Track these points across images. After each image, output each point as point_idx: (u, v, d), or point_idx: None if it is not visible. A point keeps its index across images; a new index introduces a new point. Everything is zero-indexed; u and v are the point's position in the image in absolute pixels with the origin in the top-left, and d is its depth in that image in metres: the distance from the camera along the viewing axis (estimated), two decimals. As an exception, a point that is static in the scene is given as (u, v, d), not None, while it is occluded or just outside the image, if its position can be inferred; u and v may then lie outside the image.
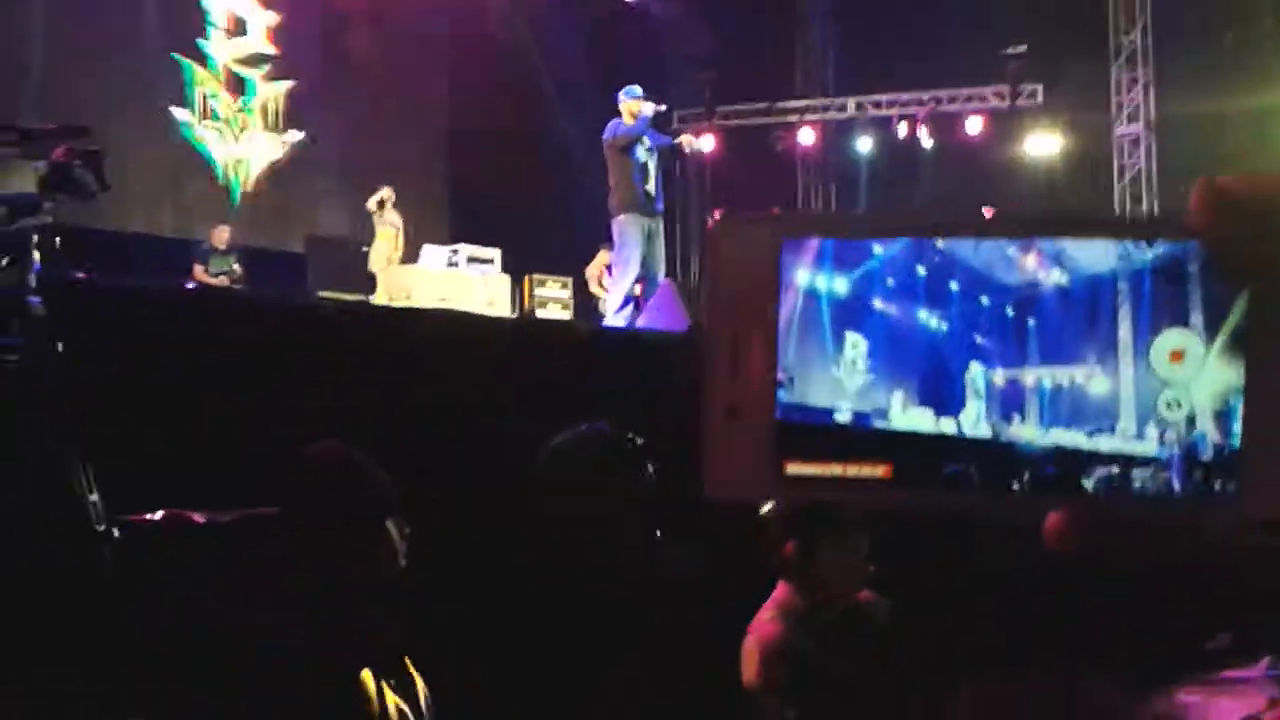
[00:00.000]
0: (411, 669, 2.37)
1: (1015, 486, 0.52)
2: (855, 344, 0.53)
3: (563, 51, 15.14)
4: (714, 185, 17.96)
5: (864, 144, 17.26)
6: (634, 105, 9.05)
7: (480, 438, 5.11)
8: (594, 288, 12.43)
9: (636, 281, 8.73)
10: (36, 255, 3.27)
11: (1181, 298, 0.50)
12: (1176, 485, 0.50)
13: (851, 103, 17.17)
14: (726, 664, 3.19)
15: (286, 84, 14.69)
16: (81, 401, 3.28)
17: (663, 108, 9.36)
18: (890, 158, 17.06)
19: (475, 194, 14.71)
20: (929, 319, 0.53)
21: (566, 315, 11.36)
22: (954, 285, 0.53)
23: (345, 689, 2.15)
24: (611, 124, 9.00)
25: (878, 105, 17.03)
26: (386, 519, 2.27)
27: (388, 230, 11.30)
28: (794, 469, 0.52)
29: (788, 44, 18.03)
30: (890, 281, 0.53)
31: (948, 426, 0.53)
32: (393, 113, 14.71)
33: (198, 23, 14.07)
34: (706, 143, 16.90)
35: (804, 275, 0.51)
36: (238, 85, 14.44)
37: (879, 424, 0.53)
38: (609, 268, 10.56)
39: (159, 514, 3.41)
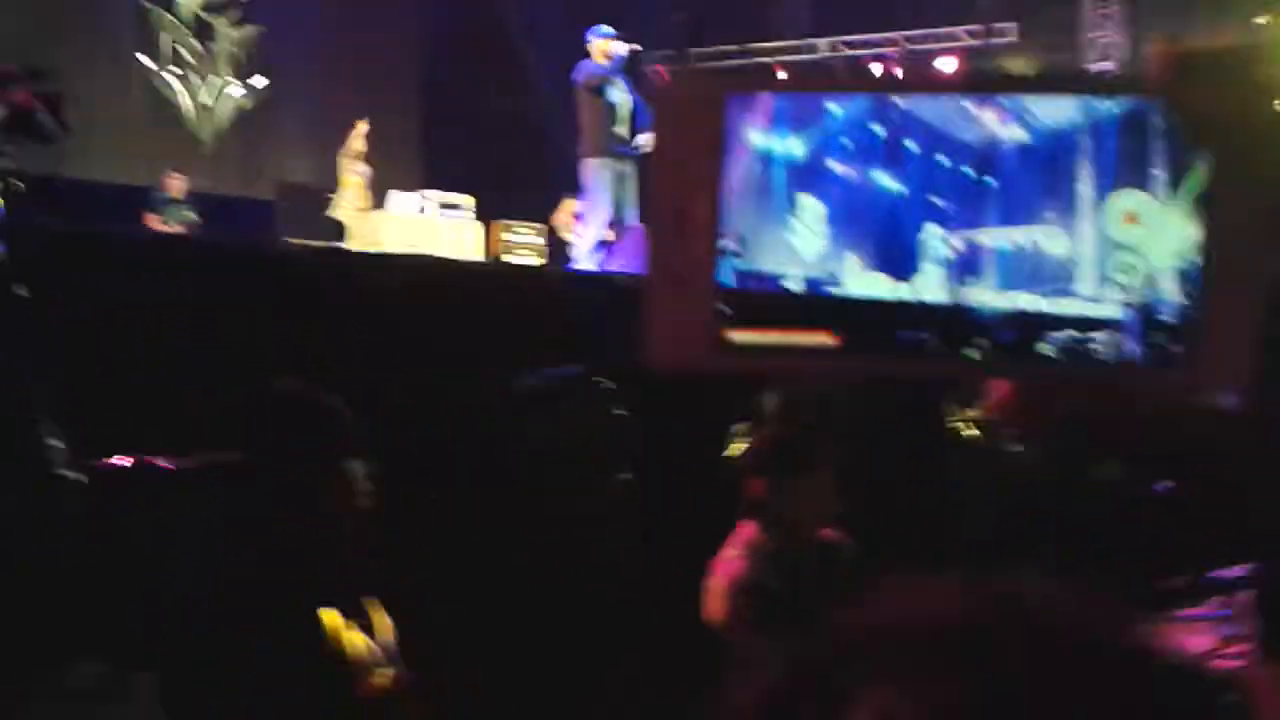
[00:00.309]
0: (378, 607, 2.38)
1: (972, 351, 0.52)
2: (810, 207, 0.51)
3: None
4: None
5: (837, 85, 17.18)
6: (604, 45, 8.86)
7: (451, 382, 5.11)
8: (565, 234, 12.30)
9: (609, 226, 8.66)
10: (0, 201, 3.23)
11: (1143, 155, 0.48)
12: (1134, 350, 0.50)
13: (824, 43, 17.05)
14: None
15: (253, 29, 14.49)
16: (45, 347, 3.26)
17: (638, 48, 9.20)
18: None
19: (447, 140, 14.59)
20: (886, 180, 0.51)
21: (539, 261, 11.31)
22: (912, 145, 0.51)
23: (302, 624, 2.16)
24: (581, 64, 8.85)
25: (851, 46, 16.91)
26: (348, 456, 2.27)
27: (354, 179, 11.14)
28: (738, 337, 0.51)
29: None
30: (847, 142, 0.51)
31: (904, 291, 0.52)
32: (362, 59, 14.53)
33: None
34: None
35: (757, 136, 0.50)
36: (205, 31, 14.24)
37: (832, 290, 0.52)
38: (577, 215, 10.48)
39: (126, 459, 3.40)
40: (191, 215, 10.60)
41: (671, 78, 0.47)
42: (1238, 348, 0.43)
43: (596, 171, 8.64)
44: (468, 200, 10.97)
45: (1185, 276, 0.45)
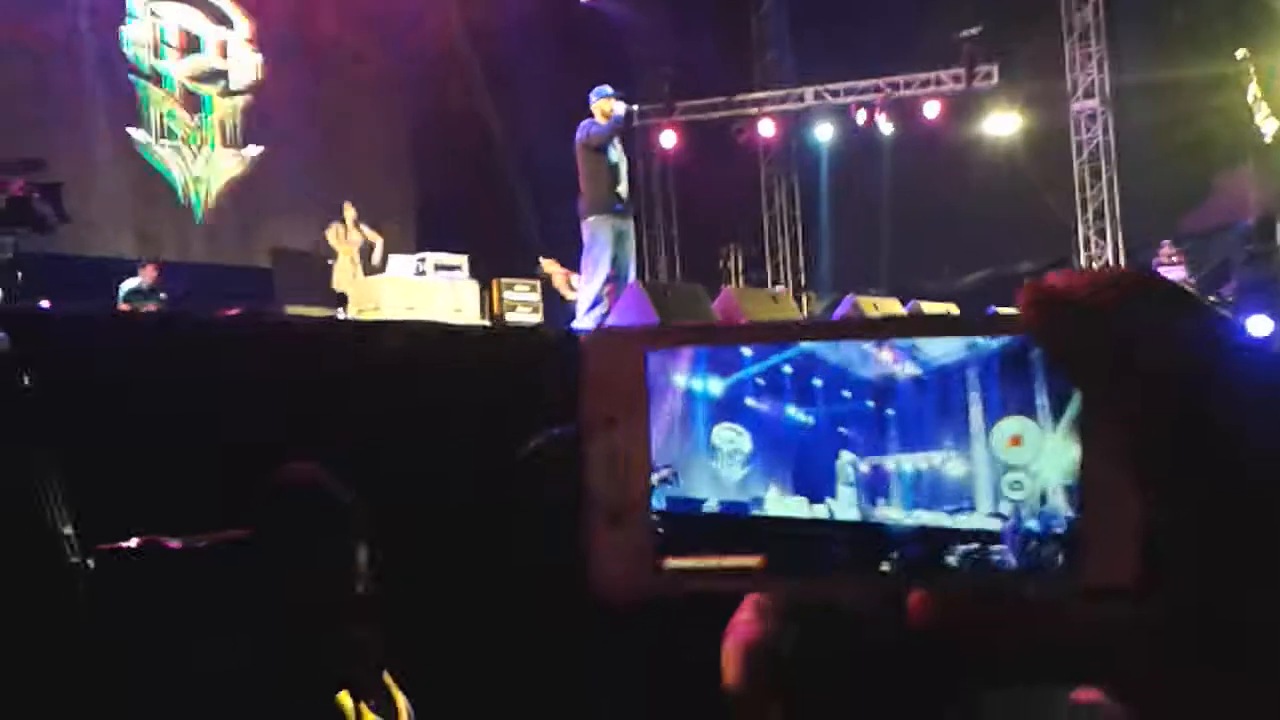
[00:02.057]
0: (392, 687, 2.39)
1: (884, 567, 0.55)
2: (731, 440, 0.57)
3: (522, 54, 15.13)
4: (676, 181, 18.00)
5: (823, 132, 17.33)
6: (605, 105, 9.01)
7: (455, 447, 5.13)
8: (564, 291, 12.43)
9: (607, 283, 8.75)
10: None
11: (1026, 385, 0.53)
12: (1027, 559, 0.54)
13: (809, 92, 17.24)
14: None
15: (243, 99, 14.64)
16: (53, 433, 3.28)
17: (635, 108, 9.38)
18: (850, 145, 17.14)
19: (441, 201, 14.71)
20: (798, 414, 0.57)
21: (537, 318, 11.38)
22: (817, 381, 0.57)
23: (321, 712, 2.17)
24: (584, 124, 8.97)
25: (835, 94, 17.10)
26: (357, 540, 2.29)
27: (347, 248, 11.31)
28: (673, 563, 0.55)
29: (744, 36, 18.08)
30: (760, 381, 0.57)
31: (820, 512, 0.57)
32: (355, 124, 14.67)
33: (152, 42, 13.99)
34: (668, 138, 16.94)
35: (681, 379, 0.56)
36: (194, 103, 14.38)
37: (755, 512, 0.57)
38: (571, 266, 10.59)
39: (134, 541, 3.41)
40: (159, 304, 10.38)
41: (592, 341, 0.53)
42: (1121, 555, 0.48)
43: (597, 229, 8.74)
44: (462, 260, 11.07)
45: (1071, 492, 0.51)
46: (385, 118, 15.48)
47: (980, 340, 0.53)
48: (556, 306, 11.79)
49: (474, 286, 10.99)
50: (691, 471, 0.56)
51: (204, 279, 11.59)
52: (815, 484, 0.56)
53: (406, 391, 5.39)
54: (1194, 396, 0.44)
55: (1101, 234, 16.32)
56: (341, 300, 10.65)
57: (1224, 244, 15.12)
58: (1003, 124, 16.49)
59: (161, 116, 14.03)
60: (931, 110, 16.58)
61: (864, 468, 0.56)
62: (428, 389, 5.47)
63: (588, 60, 14.93)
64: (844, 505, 0.55)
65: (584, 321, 8.64)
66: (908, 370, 0.55)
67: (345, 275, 11.16)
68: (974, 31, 16.13)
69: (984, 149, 16.50)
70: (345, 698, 2.22)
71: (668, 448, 0.54)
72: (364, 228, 11.65)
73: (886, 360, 0.54)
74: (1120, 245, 16.13)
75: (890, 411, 0.55)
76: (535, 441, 3.14)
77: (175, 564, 3.36)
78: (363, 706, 2.24)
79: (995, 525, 0.54)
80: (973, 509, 0.54)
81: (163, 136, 14.01)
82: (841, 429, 0.56)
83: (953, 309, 10.07)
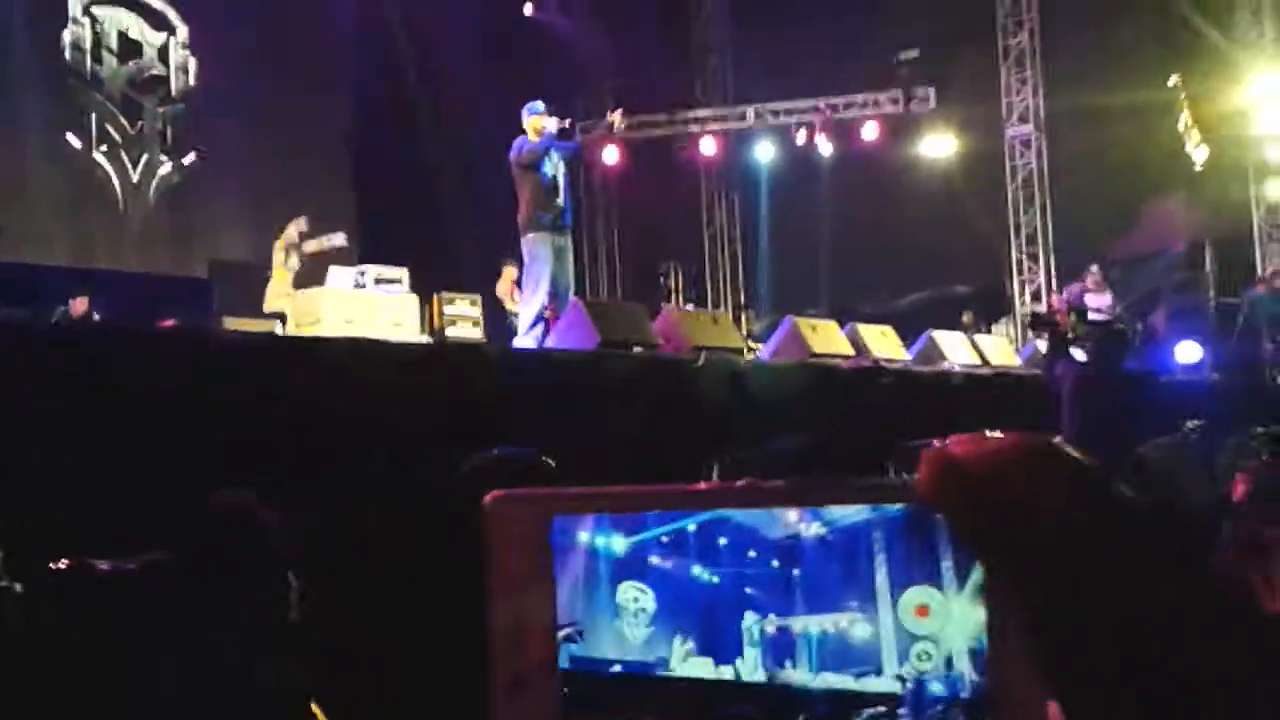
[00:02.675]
0: (320, 717, 2.40)
1: None
2: (635, 598, 0.56)
3: (464, 68, 15.11)
4: (620, 197, 18.05)
5: (764, 152, 17.47)
6: (537, 121, 8.95)
7: (393, 464, 5.12)
8: (508, 304, 12.37)
9: (547, 301, 8.74)
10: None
11: (930, 548, 0.53)
12: None
13: (751, 111, 17.38)
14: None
15: (181, 106, 14.48)
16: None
17: (567, 123, 9.32)
18: (791, 164, 17.29)
19: (381, 214, 14.63)
20: (702, 573, 0.56)
21: (477, 332, 11.34)
22: (723, 540, 0.55)
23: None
24: (517, 142, 8.93)
25: (776, 114, 17.25)
26: (287, 567, 2.30)
27: (284, 273, 11.10)
28: None
29: (685, 55, 18.19)
30: (664, 539, 0.55)
31: (726, 673, 0.56)
32: (294, 133, 14.56)
33: (90, 46, 13.80)
34: (610, 154, 16.97)
35: (584, 536, 0.55)
36: (132, 109, 14.20)
37: (661, 673, 0.55)
38: (518, 283, 10.54)
39: (63, 563, 3.38)
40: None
41: (498, 504, 0.51)
42: (1029, 716, 0.48)
43: (535, 246, 8.72)
44: (402, 273, 11.00)
45: (976, 655, 0.50)
46: (324, 128, 15.37)
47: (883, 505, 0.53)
48: (499, 322, 11.77)
49: (414, 300, 10.93)
50: (597, 630, 0.55)
51: (140, 289, 11.43)
52: (721, 645, 0.55)
53: (344, 409, 5.37)
54: (1087, 575, 0.45)
55: (1034, 258, 16.57)
56: (280, 317, 10.52)
57: (1154, 271, 15.41)
58: (939, 146, 16.71)
59: (99, 123, 13.84)
60: (870, 132, 16.77)
61: (770, 629, 0.55)
62: (366, 406, 5.45)
63: (529, 74, 14.93)
64: (750, 667, 0.54)
65: (525, 340, 8.65)
66: (813, 530, 0.54)
67: (279, 291, 10.98)
68: (912, 54, 16.34)
69: (921, 171, 16.72)
70: (273, 729, 2.22)
71: (572, 606, 0.54)
72: (313, 242, 11.47)
73: (792, 520, 0.54)
74: (1052, 269, 16.39)
75: (796, 572, 0.55)
76: (474, 459, 3.15)
77: (105, 586, 3.33)
78: (294, 737, 2.25)
79: (899, 688, 0.53)
80: (878, 672, 0.53)
81: (100, 143, 13.82)
82: (748, 589, 0.55)
83: (888, 331, 10.19)
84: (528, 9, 16.96)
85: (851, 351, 9.23)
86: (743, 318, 16.20)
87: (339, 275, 10.82)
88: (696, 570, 0.55)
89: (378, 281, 10.76)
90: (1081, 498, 0.47)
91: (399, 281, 10.88)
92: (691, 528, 0.54)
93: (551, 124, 8.95)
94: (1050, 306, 7.97)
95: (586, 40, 16.76)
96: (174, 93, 14.50)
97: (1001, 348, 11.59)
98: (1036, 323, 8.68)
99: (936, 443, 0.51)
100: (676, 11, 18.03)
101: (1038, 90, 16.61)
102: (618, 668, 0.55)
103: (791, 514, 0.54)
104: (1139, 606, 0.44)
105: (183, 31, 14.49)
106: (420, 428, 5.18)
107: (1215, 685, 0.44)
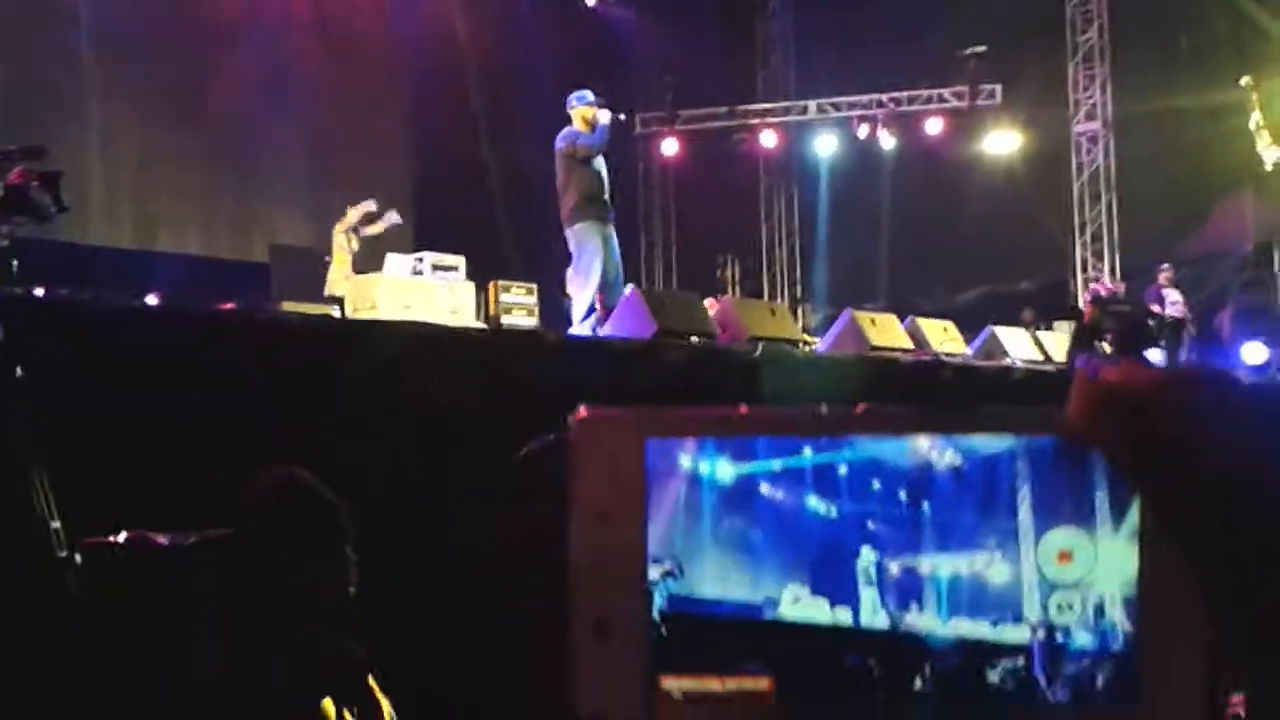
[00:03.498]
0: (377, 692, 2.38)
1: (918, 682, 0.49)
2: (742, 531, 0.49)
3: (525, 56, 15.12)
4: (677, 189, 17.99)
5: (825, 145, 17.34)
6: (587, 111, 8.82)
7: (448, 451, 5.11)
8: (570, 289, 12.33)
9: (599, 290, 8.69)
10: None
11: (1079, 487, 0.47)
12: (1077, 679, 0.48)
13: (813, 105, 17.25)
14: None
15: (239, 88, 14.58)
16: (43, 425, 3.26)
17: (622, 116, 9.22)
18: (851, 158, 17.16)
19: (440, 201, 14.68)
20: (819, 505, 0.49)
21: (533, 321, 11.35)
22: (843, 470, 0.49)
23: (305, 718, 2.16)
24: (568, 132, 8.79)
25: (838, 107, 17.11)
26: (346, 544, 2.28)
27: (344, 257, 11.24)
28: (671, 684, 0.48)
29: (748, 47, 18.09)
30: (777, 466, 0.49)
31: (843, 618, 0.49)
32: (355, 119, 14.64)
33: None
34: (669, 146, 16.92)
35: (686, 460, 0.48)
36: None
37: (769, 615, 0.48)
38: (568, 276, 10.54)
39: (122, 536, 3.40)
40: None
41: (586, 424, 0.44)
42: (1188, 680, 0.42)
43: (586, 236, 8.64)
44: (460, 260, 11.03)
45: (1131, 605, 0.43)
46: (384, 115, 15.45)
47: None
48: (554, 310, 11.77)
49: (470, 288, 10.96)
50: (697, 566, 0.47)
51: (200, 273, 11.55)
52: (838, 586, 0.47)
53: (401, 393, 5.37)
54: (1251, 500, 0.41)
55: (1099, 256, 16.34)
56: (338, 302, 10.60)
57: (1221, 271, 15.14)
58: (1004, 143, 16.51)
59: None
60: (933, 127, 16.60)
61: (894, 569, 0.47)
62: (422, 391, 5.45)
63: (590, 64, 14.92)
64: (871, 611, 0.47)
65: (580, 329, 8.61)
66: (947, 459, 0.47)
67: (339, 276, 11.12)
68: (979, 50, 16.16)
69: (984, 167, 16.53)
70: (329, 704, 2.20)
71: (670, 538, 0.46)
72: (374, 224, 11.60)
73: (923, 447, 0.46)
74: (1117, 268, 16.15)
75: (926, 506, 0.47)
76: (529, 447, 3.12)
77: (163, 560, 3.35)
78: (346, 714, 2.23)
79: (1043, 638, 0.46)
80: (1018, 620, 0.46)
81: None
82: (870, 524, 0.48)
83: (949, 326, 10.06)
84: (591, 0, 16.96)
85: (911, 345, 9.12)
86: (799, 310, 16.11)
87: (396, 262, 10.87)
88: (812, 502, 0.49)
89: (435, 269, 10.79)
90: (1255, 427, 0.42)
91: (456, 269, 10.90)
92: (808, 454, 0.48)
93: (605, 116, 8.81)
94: (1090, 300, 7.71)
95: (647, 30, 16.71)
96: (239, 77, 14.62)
97: (1064, 344, 11.41)
98: (1062, 315, 8.44)
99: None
100: (740, 3, 17.92)
101: (1106, 88, 16.36)
102: (720, 609, 0.49)
103: (923, 442, 0.48)
104: None
105: (245, 18, 14.59)
106: (476, 413, 5.16)
107: None
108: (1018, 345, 10.09)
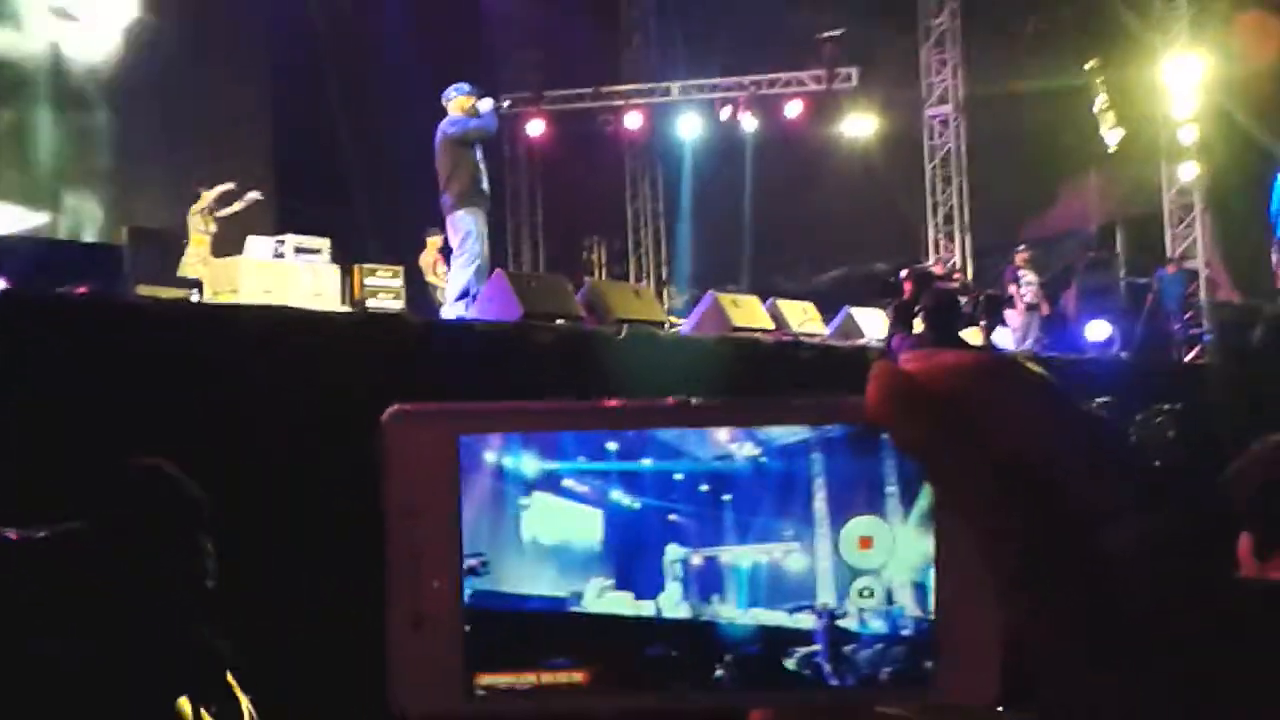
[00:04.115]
0: (237, 689, 2.38)
1: (718, 671, 0.50)
2: (547, 525, 0.50)
3: (387, 34, 14.94)
4: (544, 170, 17.97)
5: (688, 127, 17.50)
6: (465, 101, 8.99)
7: (311, 436, 5.09)
8: (430, 276, 12.33)
9: (476, 273, 8.75)
10: None
11: (874, 473, 0.49)
12: (871, 664, 0.49)
13: (676, 86, 17.38)
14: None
15: (100, 62, 14.12)
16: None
17: (504, 104, 9.36)
18: (715, 140, 17.35)
19: (301, 183, 14.43)
20: (623, 498, 0.51)
21: (399, 304, 11.26)
22: (646, 461, 0.51)
23: (161, 717, 2.15)
24: (457, 119, 8.91)
25: (701, 89, 17.28)
26: (205, 536, 2.28)
27: (202, 239, 11.01)
28: (487, 679, 0.49)
29: (612, 28, 18.14)
30: (581, 459, 0.50)
31: (646, 609, 0.50)
32: (213, 99, 14.29)
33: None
34: (535, 127, 16.89)
35: (492, 456, 0.49)
36: (56, 66, 13.82)
37: (574, 609, 0.50)
38: (443, 253, 10.52)
39: (-29, 531, 3.33)
40: None
41: (394, 420, 0.43)
42: (981, 661, 0.44)
43: (468, 221, 8.72)
44: (323, 243, 10.86)
45: (921, 591, 0.46)
46: (241, 93, 15.11)
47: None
48: (420, 294, 11.69)
49: (335, 271, 10.82)
50: (504, 562, 0.49)
51: (51, 255, 11.17)
52: (642, 578, 0.49)
53: (263, 378, 5.32)
54: (1048, 487, 0.43)
55: (950, 237, 16.81)
56: (196, 285, 10.36)
57: (1066, 250, 15.73)
58: (861, 126, 16.87)
59: (15, 77, 13.45)
60: (793, 109, 16.87)
61: (696, 560, 0.49)
62: (285, 376, 5.41)
63: (453, 43, 14.80)
64: (672, 602, 0.50)
65: (453, 310, 8.63)
66: (745, 451, 0.49)
67: (195, 259, 10.87)
68: (836, 33, 16.45)
69: (842, 150, 16.87)
70: (185, 703, 2.20)
71: (477, 534, 0.48)
72: (233, 203, 11.38)
73: (722, 440, 0.49)
74: (968, 248, 16.65)
75: (726, 497, 0.49)
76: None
77: (13, 554, 3.28)
78: (204, 712, 2.22)
79: (840, 625, 0.49)
80: (814, 608, 0.49)
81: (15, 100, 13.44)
82: (672, 516, 0.50)
83: (809, 307, 10.31)
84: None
85: (772, 326, 9.32)
86: (664, 293, 16.26)
87: (257, 245, 10.68)
88: (616, 495, 0.50)
89: (298, 251, 10.63)
90: (1047, 413, 0.44)
91: (319, 251, 10.76)
92: (611, 448, 0.50)
93: (487, 103, 9.04)
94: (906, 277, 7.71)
95: (510, 10, 16.64)
96: (93, 50, 14.13)
97: (919, 325, 11.75)
98: (883, 291, 8.45)
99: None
100: (603, -15, 17.97)
101: (957, 71, 16.81)
102: (527, 604, 0.50)
103: (722, 434, 0.50)
104: (1102, 527, 0.42)
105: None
106: (340, 398, 5.14)
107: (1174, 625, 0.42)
108: (874, 326, 10.38)
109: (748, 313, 9.25)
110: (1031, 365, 0.46)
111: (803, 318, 9.88)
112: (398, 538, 0.47)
